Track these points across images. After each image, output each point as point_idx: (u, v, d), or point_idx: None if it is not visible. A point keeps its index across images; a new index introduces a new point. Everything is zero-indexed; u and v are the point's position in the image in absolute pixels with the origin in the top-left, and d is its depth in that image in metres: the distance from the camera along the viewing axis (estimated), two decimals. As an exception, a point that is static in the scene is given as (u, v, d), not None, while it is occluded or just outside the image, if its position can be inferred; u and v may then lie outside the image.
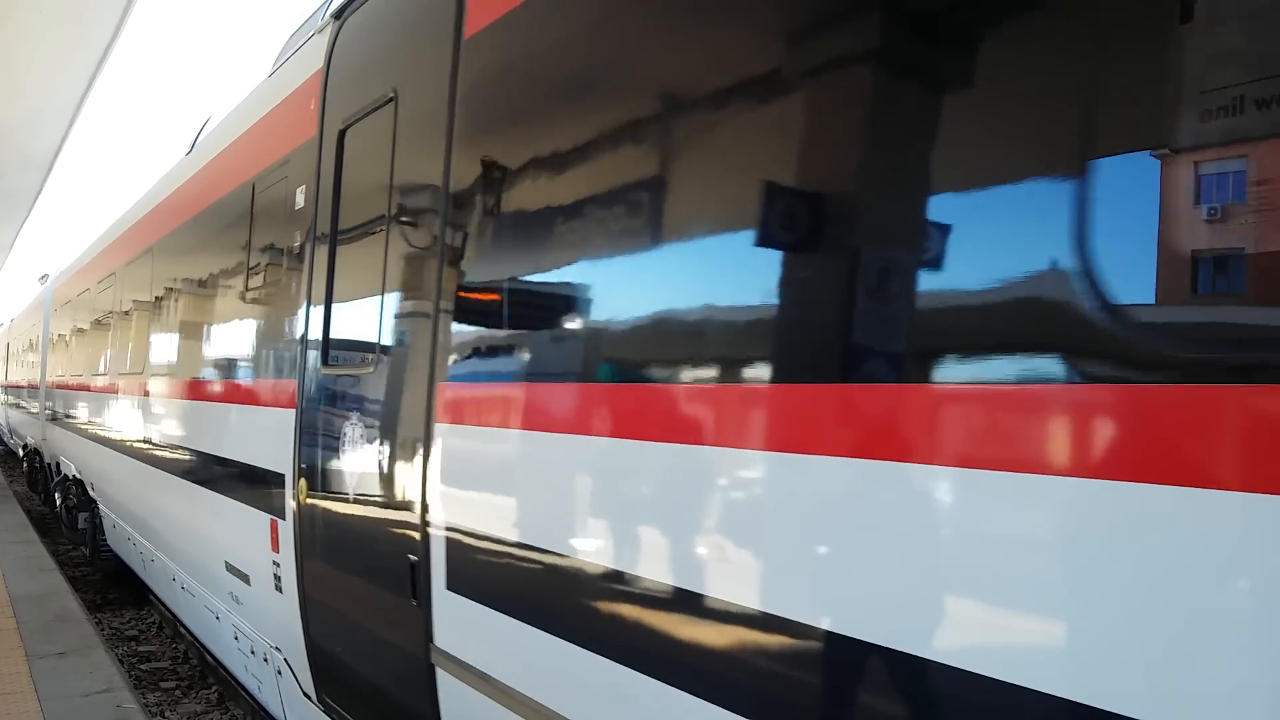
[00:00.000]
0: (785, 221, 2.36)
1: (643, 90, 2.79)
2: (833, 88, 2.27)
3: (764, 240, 2.38)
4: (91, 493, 12.31)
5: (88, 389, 12.65)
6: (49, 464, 16.38)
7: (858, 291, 2.17)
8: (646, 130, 2.75)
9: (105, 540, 11.99)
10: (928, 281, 2.04)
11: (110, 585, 12.74)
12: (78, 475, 13.24)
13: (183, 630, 9.43)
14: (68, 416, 14.33)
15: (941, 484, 1.95)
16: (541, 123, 3.22)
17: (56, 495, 14.94)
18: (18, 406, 22.68)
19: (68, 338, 15.20)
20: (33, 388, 19.41)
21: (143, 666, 9.21)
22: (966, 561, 1.90)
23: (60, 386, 15.28)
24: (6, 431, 25.45)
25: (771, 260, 2.38)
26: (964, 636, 1.91)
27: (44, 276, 21.93)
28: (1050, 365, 1.79)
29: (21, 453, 21.61)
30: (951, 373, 1.98)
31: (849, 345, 2.17)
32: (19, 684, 7.10)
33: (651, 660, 2.55)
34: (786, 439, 2.26)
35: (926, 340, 2.02)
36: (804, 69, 2.36)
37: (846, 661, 2.14)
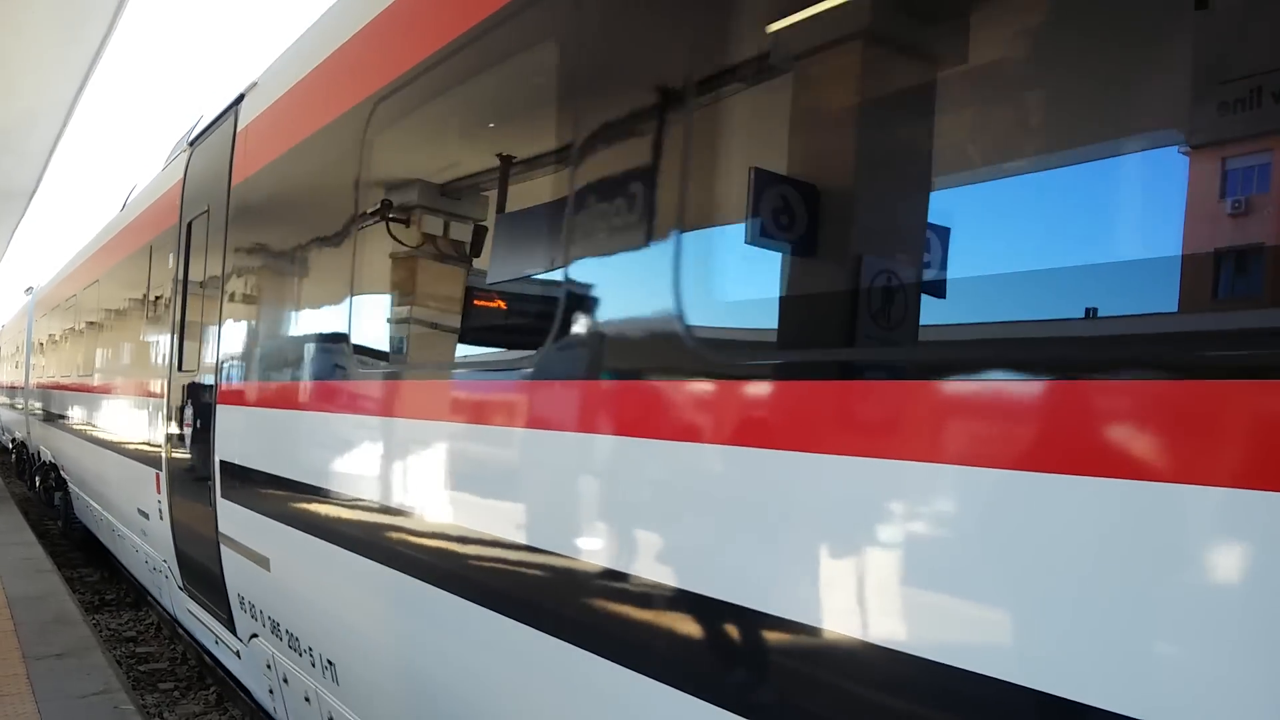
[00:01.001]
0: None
1: (292, 229, 5.41)
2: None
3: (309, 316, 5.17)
4: (63, 474, 14.91)
5: (57, 388, 15.46)
6: (33, 454, 19.24)
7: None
8: (296, 253, 5.36)
9: (74, 512, 14.49)
10: None
11: (108, 587, 12.73)
12: (52, 460, 15.98)
13: (180, 632, 9.42)
14: (43, 411, 17.26)
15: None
16: (256, 242, 6.06)
17: (37, 479, 17.90)
18: (10, 406, 25.05)
19: (45, 345, 18.30)
20: (20, 388, 22.33)
21: (141, 668, 9.19)
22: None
23: (39, 386, 18.37)
24: (0, 428, 27.63)
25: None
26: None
27: (29, 289, 24.67)
28: None
29: (11, 444, 24.42)
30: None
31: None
32: (17, 685, 7.08)
33: (307, 523, 4.87)
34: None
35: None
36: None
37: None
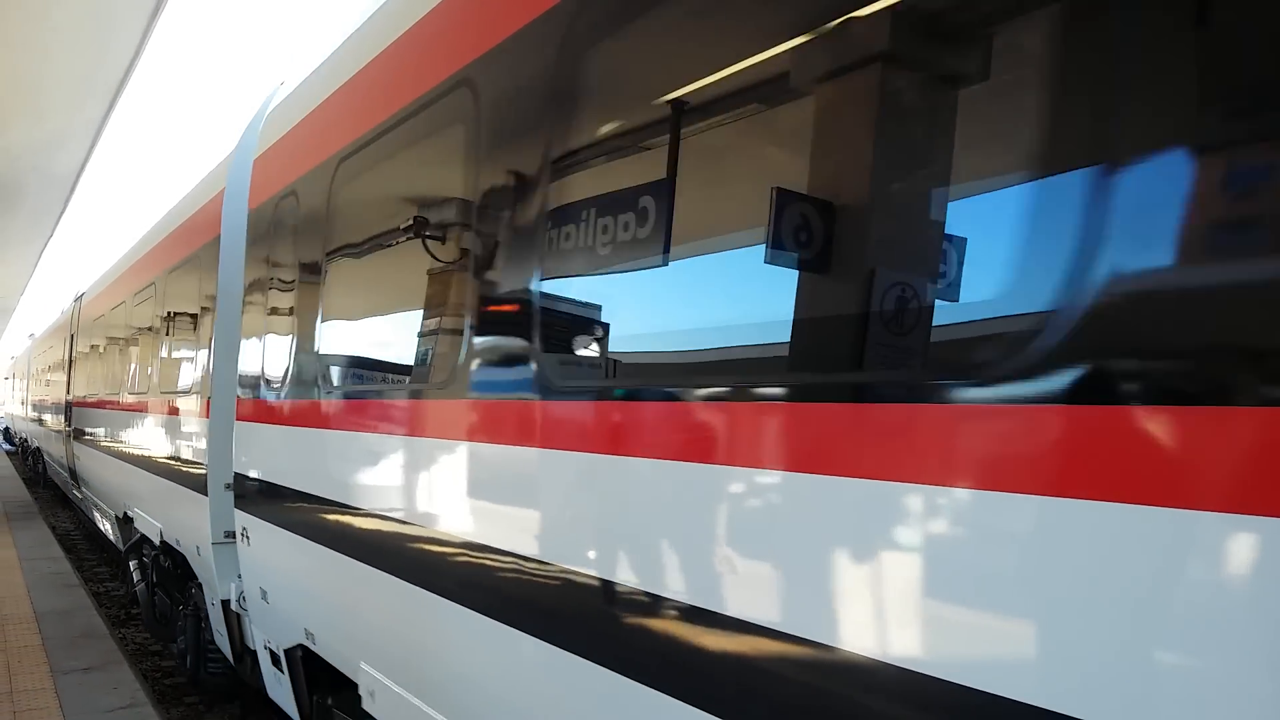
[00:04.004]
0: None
1: (88, 349, 16.23)
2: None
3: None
4: (42, 454, 26.09)
5: (36, 403, 28.16)
6: (29, 445, 31.40)
7: None
8: (88, 357, 16.17)
9: (47, 475, 25.25)
10: None
11: (135, 601, 12.85)
12: (37, 446, 27.77)
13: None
14: (32, 417, 29.29)
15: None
16: (83, 349, 16.75)
17: (30, 459, 30.65)
18: (22, 418, 37.92)
19: (34, 377, 30.32)
20: (24, 403, 35.52)
21: (166, 682, 9.26)
22: None
23: (31, 403, 30.76)
24: (13, 432, 41.79)
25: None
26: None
27: (31, 335, 37.16)
28: None
29: (18, 441, 37.97)
30: None
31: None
32: (44, 700, 7.16)
33: (86, 443, 15.07)
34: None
35: None
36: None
37: None
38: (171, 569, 9.11)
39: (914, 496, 1.90)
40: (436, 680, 3.79)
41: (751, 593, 2.29)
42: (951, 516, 1.85)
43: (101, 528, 14.29)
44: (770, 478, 2.25)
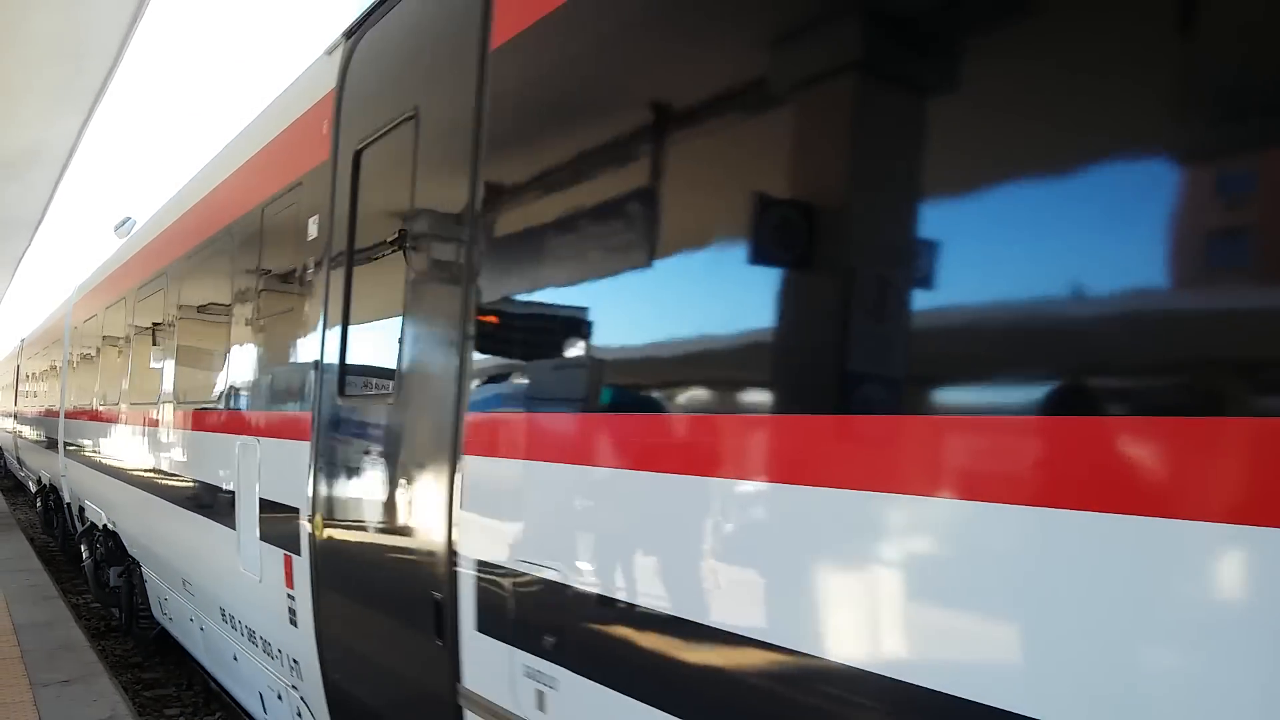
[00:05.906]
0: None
1: (30, 371, 24.76)
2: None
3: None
4: (2, 452, 32.35)
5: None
6: None
7: None
8: (20, 379, 26.72)
9: (8, 467, 31.02)
10: None
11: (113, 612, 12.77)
12: None
13: (190, 661, 9.47)
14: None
15: None
16: (28, 373, 25.62)
17: None
18: None
19: None
20: None
21: (146, 693, 9.21)
22: None
23: None
24: None
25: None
26: None
27: None
28: None
29: None
30: None
31: None
32: (23, 713, 7.11)
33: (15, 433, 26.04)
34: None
35: None
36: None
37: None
38: (56, 497, 16.77)
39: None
40: (84, 485, 12.42)
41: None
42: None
43: (30, 487, 22.67)
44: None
